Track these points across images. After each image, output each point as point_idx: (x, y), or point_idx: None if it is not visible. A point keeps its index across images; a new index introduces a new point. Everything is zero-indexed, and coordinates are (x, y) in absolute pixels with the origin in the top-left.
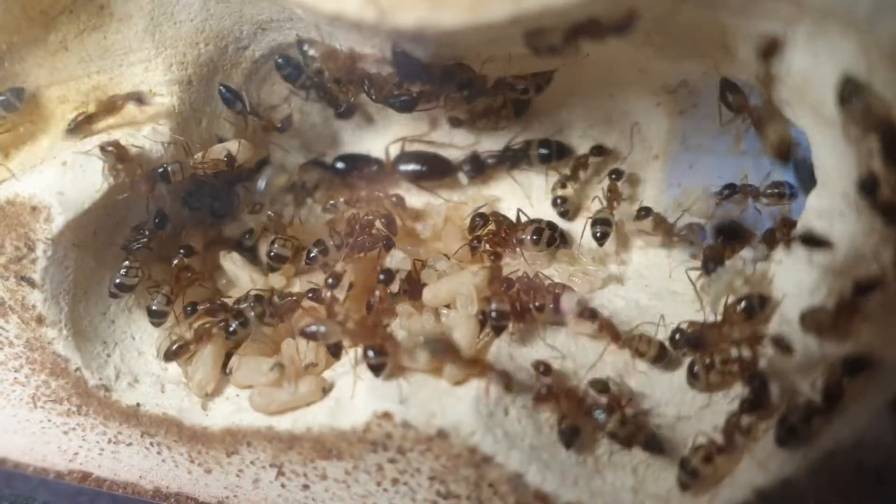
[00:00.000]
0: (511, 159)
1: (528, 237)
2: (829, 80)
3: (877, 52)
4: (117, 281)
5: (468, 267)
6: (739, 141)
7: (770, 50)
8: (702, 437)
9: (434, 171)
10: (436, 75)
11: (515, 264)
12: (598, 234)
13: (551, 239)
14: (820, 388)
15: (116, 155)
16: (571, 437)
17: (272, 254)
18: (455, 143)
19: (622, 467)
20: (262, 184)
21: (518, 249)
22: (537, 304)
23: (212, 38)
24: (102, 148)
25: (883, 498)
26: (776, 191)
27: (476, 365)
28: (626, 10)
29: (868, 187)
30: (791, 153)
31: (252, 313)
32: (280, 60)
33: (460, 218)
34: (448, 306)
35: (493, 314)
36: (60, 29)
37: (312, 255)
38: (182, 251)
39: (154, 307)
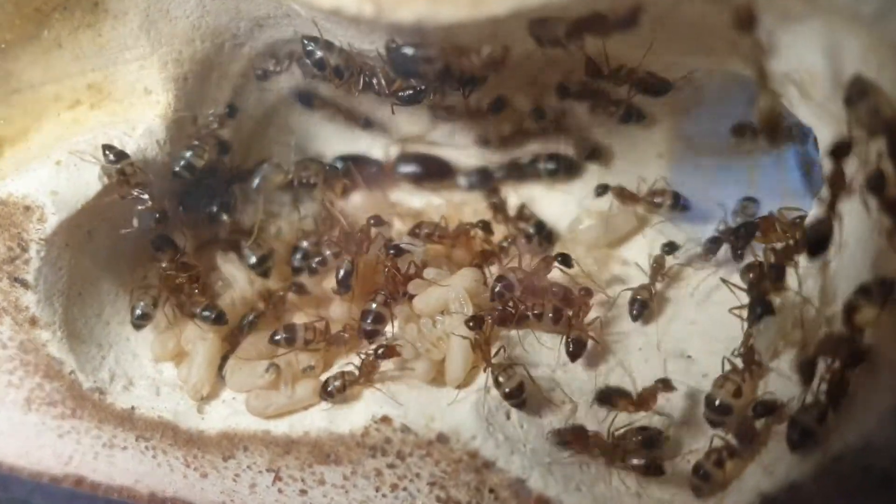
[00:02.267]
0: (518, 173)
1: (523, 238)
2: (836, 78)
3: (885, 49)
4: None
5: (458, 272)
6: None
7: (746, 20)
8: (717, 441)
9: (433, 173)
10: (434, 72)
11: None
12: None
13: (541, 230)
14: (824, 386)
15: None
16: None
17: (253, 263)
18: (456, 144)
19: (625, 472)
20: (256, 180)
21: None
22: (535, 311)
23: (208, 34)
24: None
25: (891, 501)
26: None
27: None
28: (631, 5)
29: (874, 185)
30: (780, 125)
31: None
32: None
33: (461, 218)
34: (443, 312)
35: (498, 288)
36: (54, 26)
37: (313, 266)
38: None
39: (139, 310)
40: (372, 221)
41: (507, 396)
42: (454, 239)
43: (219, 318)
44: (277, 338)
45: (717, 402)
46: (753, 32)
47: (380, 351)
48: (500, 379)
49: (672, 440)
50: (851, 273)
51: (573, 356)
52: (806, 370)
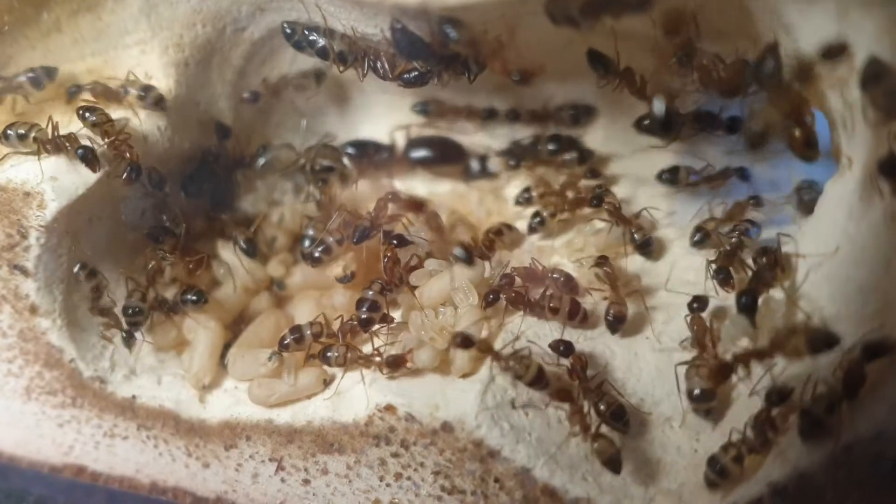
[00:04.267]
0: (519, 156)
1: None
2: (850, 61)
3: None
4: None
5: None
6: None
7: (834, 52)
8: (735, 434)
9: (446, 156)
10: (438, 54)
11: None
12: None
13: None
14: (840, 376)
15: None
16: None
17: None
18: (461, 129)
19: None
20: (262, 160)
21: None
22: (552, 304)
23: (209, 19)
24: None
25: None
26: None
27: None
28: None
29: (888, 168)
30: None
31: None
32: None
33: (466, 208)
34: (444, 303)
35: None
36: (54, 9)
37: (316, 255)
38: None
39: (130, 308)
40: (389, 196)
41: (530, 384)
42: (563, 195)
43: (199, 298)
44: (286, 342)
45: (695, 392)
46: (833, 65)
47: (389, 360)
48: (520, 370)
49: (684, 426)
50: (839, 276)
51: (613, 329)
52: (722, 373)
